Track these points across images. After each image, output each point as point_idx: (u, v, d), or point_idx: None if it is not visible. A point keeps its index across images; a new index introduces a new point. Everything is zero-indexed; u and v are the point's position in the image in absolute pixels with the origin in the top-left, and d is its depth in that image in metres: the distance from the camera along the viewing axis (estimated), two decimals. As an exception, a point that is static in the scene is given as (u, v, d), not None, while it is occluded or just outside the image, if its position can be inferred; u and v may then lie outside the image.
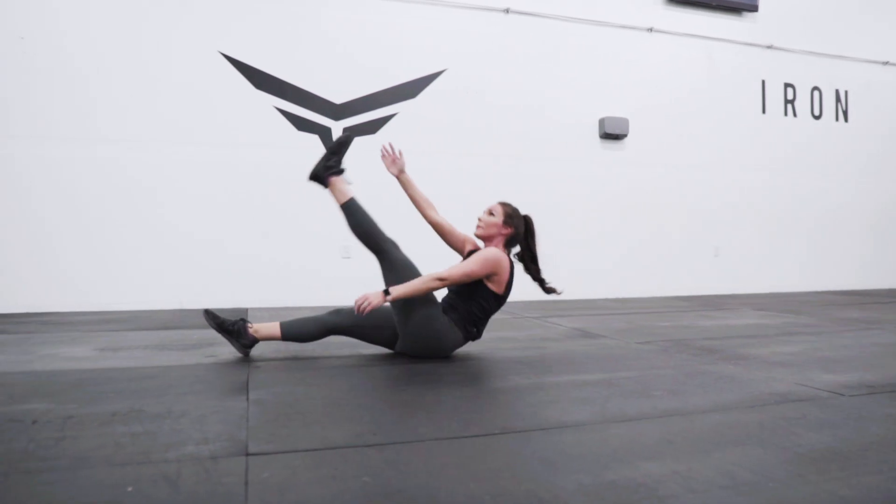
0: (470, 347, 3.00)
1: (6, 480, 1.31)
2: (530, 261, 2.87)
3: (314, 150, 5.70)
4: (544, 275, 2.90)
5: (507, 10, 6.29)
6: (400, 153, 2.98)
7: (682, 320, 4.33)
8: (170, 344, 3.18)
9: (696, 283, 6.63)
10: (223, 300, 5.27)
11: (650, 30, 6.63)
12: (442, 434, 1.67)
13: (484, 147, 6.14)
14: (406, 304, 2.64)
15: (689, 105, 6.72)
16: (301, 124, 5.74)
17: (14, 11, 5.02)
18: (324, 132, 5.82)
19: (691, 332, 3.69)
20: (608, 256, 6.42)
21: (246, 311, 4.92)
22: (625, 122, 6.37)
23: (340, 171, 2.87)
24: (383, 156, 2.98)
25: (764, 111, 7.01)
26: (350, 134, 2.98)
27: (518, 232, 2.81)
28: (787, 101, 7.15)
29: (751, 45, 6.94)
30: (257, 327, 2.71)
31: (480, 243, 2.90)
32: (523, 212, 2.89)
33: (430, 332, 2.68)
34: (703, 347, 3.11)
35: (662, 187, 6.61)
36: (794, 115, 7.17)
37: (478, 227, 2.82)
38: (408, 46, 6.01)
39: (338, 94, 5.84)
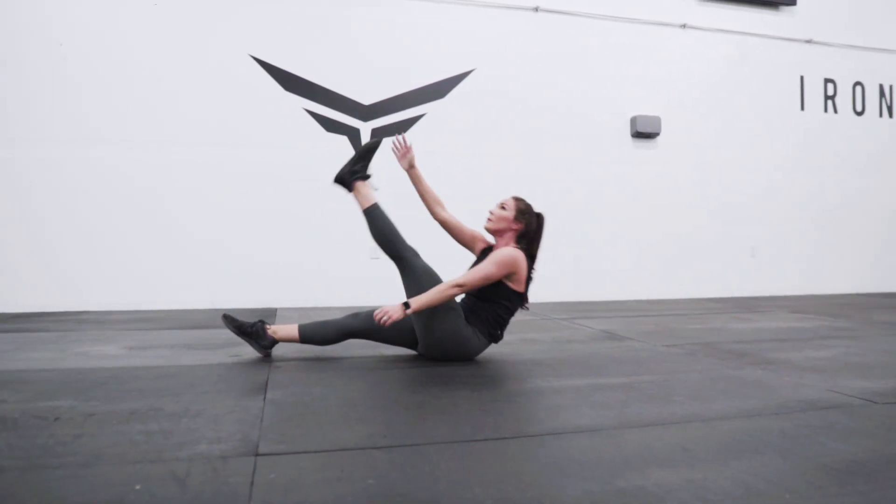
0: (492, 349, 2.98)
1: (22, 475, 1.35)
2: (528, 258, 2.76)
3: (343, 150, 5.76)
4: (534, 281, 2.79)
5: (536, 9, 6.24)
6: (410, 146, 2.92)
7: (712, 323, 4.22)
8: (197, 343, 3.24)
9: (732, 284, 6.46)
10: (254, 300, 5.36)
11: (683, 26, 6.49)
12: (453, 437, 1.65)
13: (513, 147, 6.11)
14: (427, 314, 2.61)
15: (724, 102, 6.56)
16: (330, 125, 5.80)
17: (32, 19, 5.20)
18: (352, 133, 5.87)
19: (721, 335, 3.59)
20: (640, 257, 6.30)
21: (275, 311, 4.99)
22: (657, 120, 6.25)
23: (366, 177, 2.87)
24: (394, 148, 2.93)
25: (803, 108, 6.79)
26: (378, 139, 2.98)
27: (529, 228, 2.76)
28: (827, 97, 6.90)
29: (788, 39, 6.73)
30: (276, 328, 2.74)
31: (490, 238, 2.86)
32: (537, 209, 2.85)
33: (453, 340, 2.65)
34: (731, 351, 3.02)
35: (696, 186, 6.46)
36: (835, 111, 6.92)
37: (488, 220, 2.78)
38: (436, 47, 6.01)
39: (366, 95, 5.88)
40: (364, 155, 2.88)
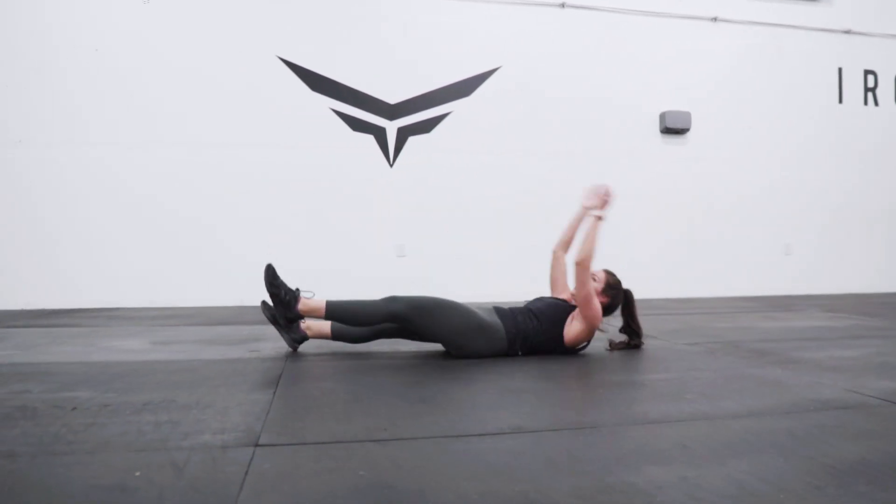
0: (505, 346, 2.97)
1: (32, 461, 1.41)
2: (634, 334, 2.91)
3: (369, 149, 5.82)
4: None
5: (562, 5, 6.20)
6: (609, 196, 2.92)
7: (741, 321, 4.12)
8: (219, 339, 3.33)
9: (766, 283, 6.29)
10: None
11: (714, 19, 6.34)
12: (453, 432, 1.66)
13: (540, 144, 6.08)
14: (436, 314, 2.63)
15: (757, 97, 6.39)
16: (356, 125, 5.87)
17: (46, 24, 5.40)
18: (378, 132, 5.92)
19: (747, 334, 3.50)
20: (670, 255, 6.19)
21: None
22: (687, 115, 6.12)
23: (296, 297, 2.70)
24: (601, 194, 2.90)
25: (841, 101, 6.56)
26: (268, 264, 2.76)
27: (613, 304, 2.82)
28: (867, 90, 6.65)
29: (826, 30, 6.51)
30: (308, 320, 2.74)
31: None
32: (624, 285, 2.92)
33: (470, 335, 2.64)
34: (754, 350, 2.95)
35: (728, 182, 6.31)
36: (876, 103, 6.67)
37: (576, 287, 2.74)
38: (462, 45, 6.03)
39: (392, 94, 5.93)
40: (274, 290, 2.70)
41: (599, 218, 2.74)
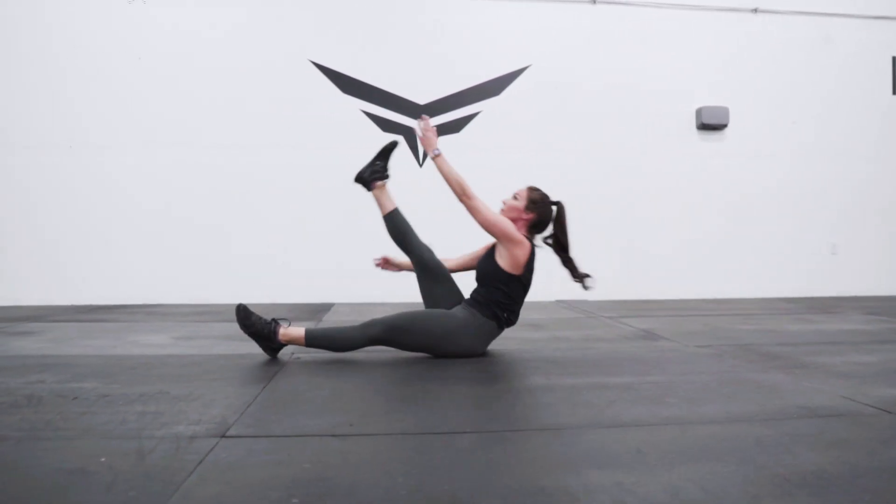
0: (512, 345, 2.98)
1: (16, 445, 1.54)
2: (560, 248, 2.81)
3: (399, 151, 5.88)
4: (577, 263, 2.80)
5: (594, 1, 6.10)
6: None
7: (769, 324, 3.96)
8: (237, 335, 3.42)
9: (809, 283, 6.01)
10: (311, 296, 5.61)
11: (755, 10, 6.10)
12: (415, 429, 1.70)
13: (571, 143, 6.01)
14: (418, 319, 2.67)
15: (800, 90, 6.10)
16: (386, 126, 5.96)
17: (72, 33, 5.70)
18: (408, 133, 5.99)
19: (768, 337, 3.38)
20: (706, 254, 6.01)
21: (332, 306, 5.20)
22: (724, 111, 5.92)
23: (385, 177, 2.94)
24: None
25: (895, 91, 6.18)
26: (395, 140, 3.02)
27: (542, 219, 2.77)
28: (925, 78, 6.25)
29: (878, 17, 6.15)
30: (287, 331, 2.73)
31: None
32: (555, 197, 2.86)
33: (455, 335, 2.66)
34: (766, 353, 2.84)
35: (768, 180, 6.06)
36: (935, 93, 6.25)
37: (500, 209, 2.80)
38: (492, 44, 6.03)
39: (422, 95, 5.99)
40: (382, 154, 2.95)
41: (436, 156, 2.75)
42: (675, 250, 5.94)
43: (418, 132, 2.84)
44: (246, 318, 2.67)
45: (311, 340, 2.68)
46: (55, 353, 2.85)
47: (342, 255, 5.74)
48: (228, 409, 1.87)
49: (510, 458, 1.46)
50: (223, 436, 1.61)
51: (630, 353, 2.90)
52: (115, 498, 1.22)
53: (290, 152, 5.81)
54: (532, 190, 2.79)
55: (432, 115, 5.98)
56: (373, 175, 2.94)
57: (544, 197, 2.79)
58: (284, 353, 2.82)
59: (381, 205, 2.93)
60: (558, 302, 5.58)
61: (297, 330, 2.69)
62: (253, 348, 2.98)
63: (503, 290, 2.71)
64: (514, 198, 2.80)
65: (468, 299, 2.78)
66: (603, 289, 5.74)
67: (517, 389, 2.21)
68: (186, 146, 5.69)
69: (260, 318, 2.70)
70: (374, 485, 1.28)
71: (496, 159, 5.91)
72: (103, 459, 1.43)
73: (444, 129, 5.98)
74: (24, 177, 5.56)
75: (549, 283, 5.93)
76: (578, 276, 2.76)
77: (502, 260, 2.68)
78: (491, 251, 2.79)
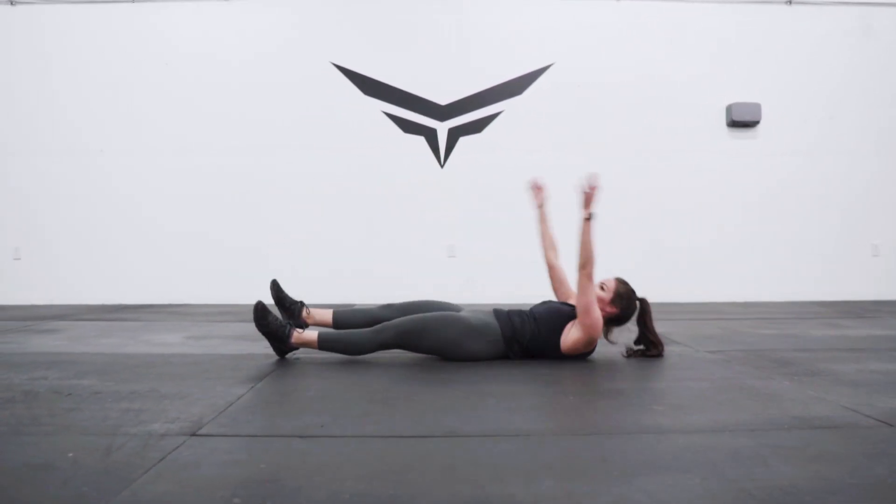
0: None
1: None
2: (651, 345, 2.77)
3: (421, 151, 5.91)
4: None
5: (618, -3, 5.98)
6: (542, 187, 3.10)
7: (793, 328, 3.80)
8: (249, 335, 3.51)
9: (848, 287, 5.73)
10: (337, 297, 5.67)
11: (789, 2, 5.87)
12: (385, 433, 1.68)
13: (596, 142, 5.91)
14: (420, 326, 2.65)
15: (838, 84, 5.84)
16: (407, 127, 5.98)
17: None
18: (429, 133, 6.00)
19: (787, 342, 3.23)
20: (738, 257, 5.81)
21: (351, 304, 5.24)
22: (756, 107, 5.71)
23: (287, 334, 2.66)
24: (533, 188, 3.12)
25: (943, 83, 5.85)
26: (258, 301, 2.67)
27: (624, 315, 2.69)
28: (976, 69, 5.89)
29: (926, 4, 5.83)
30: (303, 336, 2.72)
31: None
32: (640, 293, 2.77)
33: (465, 341, 2.63)
34: (778, 360, 2.72)
35: (803, 179, 5.82)
36: None
37: None
38: (514, 43, 5.98)
39: (443, 96, 5.99)
40: (263, 323, 2.65)
41: (587, 219, 2.59)
42: (703, 252, 5.77)
43: (585, 187, 2.60)
44: (262, 317, 2.65)
45: (324, 344, 2.68)
46: (67, 351, 2.96)
47: (367, 256, 5.79)
48: (209, 409, 1.89)
49: (466, 464, 1.43)
50: (193, 434, 1.63)
51: (625, 360, 2.81)
52: (67, 493, 1.25)
53: (313, 153, 5.89)
54: (620, 283, 2.71)
55: (454, 115, 5.98)
56: (285, 339, 2.67)
57: (631, 293, 2.70)
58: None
59: (309, 345, 2.68)
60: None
61: (311, 334, 2.69)
62: (258, 349, 3.03)
63: (540, 345, 2.67)
64: (602, 288, 2.68)
65: (510, 318, 2.70)
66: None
67: (500, 393, 2.16)
68: (218, 152, 5.83)
69: (276, 318, 2.70)
70: (321, 487, 1.28)
71: (518, 159, 5.87)
72: (71, 455, 1.47)
73: (465, 130, 5.97)
74: (62, 181, 5.80)
75: (572, 284, 5.89)
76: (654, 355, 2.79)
77: (567, 335, 2.64)
78: (569, 311, 2.71)
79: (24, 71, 5.80)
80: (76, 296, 5.67)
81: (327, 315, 2.88)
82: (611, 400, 2.03)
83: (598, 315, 2.58)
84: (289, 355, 2.79)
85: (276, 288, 2.83)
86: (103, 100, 5.82)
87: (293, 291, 5.60)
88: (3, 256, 5.71)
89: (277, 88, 5.87)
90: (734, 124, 5.74)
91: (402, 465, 1.42)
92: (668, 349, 3.06)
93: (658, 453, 1.50)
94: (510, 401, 2.05)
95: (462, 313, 2.70)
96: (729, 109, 5.74)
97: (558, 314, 2.71)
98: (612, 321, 2.72)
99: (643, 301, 2.75)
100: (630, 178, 5.86)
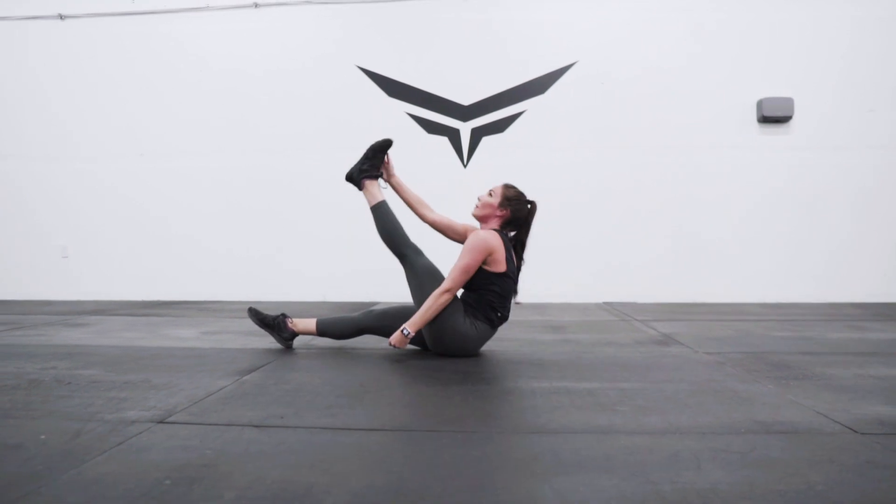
0: (512, 346, 2.98)
1: (-15, 422, 1.75)
2: (518, 247, 2.82)
3: (444, 152, 5.97)
4: (524, 272, 2.86)
5: (644, -10, 5.86)
6: (388, 160, 3.04)
7: (812, 331, 3.65)
8: (258, 331, 3.65)
9: (888, 288, 5.44)
10: (362, 295, 5.80)
11: (823, -11, 5.61)
12: (336, 425, 1.73)
13: (621, 140, 5.82)
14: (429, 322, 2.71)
15: (878, 74, 5.53)
16: (431, 127, 6.04)
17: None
18: (452, 134, 6.04)
19: (798, 345, 3.12)
20: (769, 256, 5.60)
21: (375, 303, 5.36)
22: (788, 102, 5.49)
23: (376, 176, 3.02)
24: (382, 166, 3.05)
25: None
26: (388, 139, 3.06)
27: (516, 216, 2.77)
28: None
29: (975, -13, 5.46)
30: (296, 322, 2.99)
31: (478, 224, 2.86)
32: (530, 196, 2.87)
33: (453, 337, 2.70)
34: (777, 362, 2.64)
35: (840, 175, 5.55)
36: None
37: (475, 206, 2.82)
38: (537, 42, 5.96)
39: (466, 96, 6.02)
40: (373, 154, 3.00)
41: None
42: (731, 253, 5.59)
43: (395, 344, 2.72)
44: (256, 314, 3.01)
45: (321, 327, 2.93)
46: (86, 343, 3.17)
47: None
48: (187, 399, 2.01)
49: (396, 457, 1.47)
50: (161, 422, 1.75)
51: (625, 359, 2.78)
52: (24, 470, 1.37)
53: (340, 154, 6.01)
54: (507, 187, 2.80)
55: (476, 116, 6.01)
56: (362, 174, 3.01)
57: (520, 195, 2.79)
58: (277, 348, 2.96)
59: (368, 198, 2.99)
60: (604, 304, 5.42)
61: (309, 320, 2.97)
62: (262, 343, 3.17)
63: (495, 290, 2.71)
64: (490, 194, 2.80)
65: (463, 304, 2.76)
66: (656, 291, 5.55)
67: (472, 392, 2.18)
68: (250, 155, 6.06)
69: (268, 315, 3.01)
70: (249, 473, 1.35)
71: (540, 158, 5.85)
72: (43, 437, 1.60)
73: (488, 130, 5.99)
74: (106, 184, 6.16)
75: (595, 284, 5.82)
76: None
77: (486, 265, 2.69)
78: None
79: (69, 80, 6.19)
80: (119, 292, 6.01)
81: (311, 324, 2.97)
82: (577, 399, 2.03)
83: (473, 256, 2.62)
84: (295, 345, 2.93)
85: (254, 313, 3.01)
86: (142, 106, 6.13)
87: (321, 291, 5.84)
88: (53, 255, 6.11)
89: (304, 92, 6.04)
90: (765, 120, 5.54)
91: (335, 456, 1.48)
92: (666, 350, 3.01)
93: (592, 454, 1.51)
94: (476, 398, 2.08)
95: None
96: (759, 104, 5.53)
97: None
98: (506, 224, 2.80)
99: (533, 203, 2.82)
100: (657, 178, 5.74)
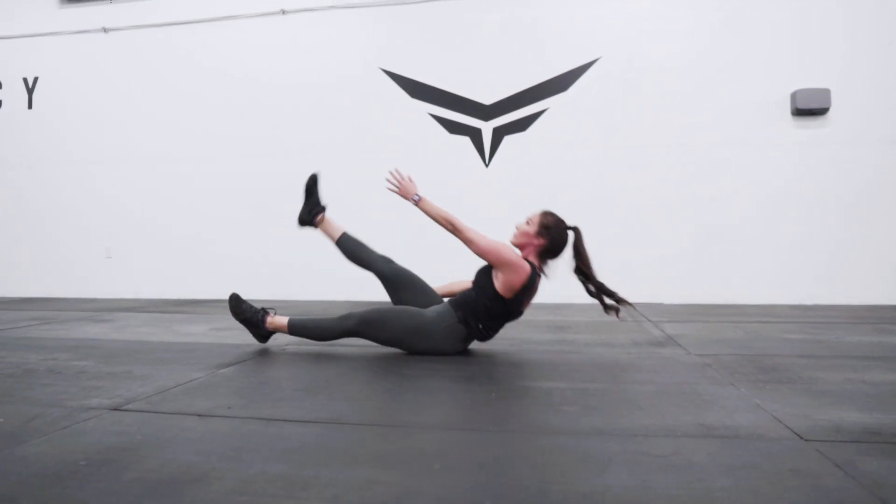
0: (506, 346, 3.00)
1: (-36, 406, 1.89)
2: (585, 278, 2.72)
3: (466, 151, 5.99)
4: (610, 287, 2.72)
5: (672, -20, 5.70)
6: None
7: (828, 334, 3.45)
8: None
9: (939, 290, 5.07)
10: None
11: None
12: (274, 416, 1.77)
13: (647, 136, 5.68)
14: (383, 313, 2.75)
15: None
16: (453, 127, 6.07)
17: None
18: (474, 133, 6.05)
19: (800, 348, 2.96)
20: (802, 256, 5.33)
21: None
22: (825, 93, 5.21)
23: (323, 209, 3.05)
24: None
25: None
26: (315, 173, 3.06)
27: (555, 245, 2.69)
28: None
29: None
30: (274, 319, 2.94)
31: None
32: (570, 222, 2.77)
33: (413, 317, 2.73)
34: (765, 366, 2.51)
35: (882, 170, 5.21)
36: None
37: (513, 234, 2.77)
38: (559, 39, 5.90)
39: (487, 95, 6.02)
40: (310, 191, 3.03)
41: (418, 202, 2.83)
42: (762, 253, 5.35)
43: (392, 187, 2.87)
44: (237, 306, 2.93)
45: (293, 329, 2.89)
46: (99, 338, 3.36)
47: (417, 256, 5.92)
48: (155, 389, 2.11)
49: (313, 448, 1.50)
50: (115, 409, 1.84)
51: (609, 359, 2.72)
52: (-33, 450, 1.48)
53: (363, 155, 6.13)
54: (545, 215, 2.72)
55: (498, 115, 5.99)
56: (311, 214, 3.04)
57: (559, 222, 2.71)
58: (272, 345, 3.05)
59: (329, 235, 3.02)
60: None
61: (282, 319, 2.92)
62: (265, 341, 3.25)
63: (486, 304, 2.68)
64: (527, 223, 2.73)
65: (457, 297, 2.80)
66: (683, 292, 5.38)
67: (440, 389, 2.19)
68: (270, 154, 6.26)
69: (251, 306, 2.96)
70: (161, 457, 1.41)
71: (563, 156, 5.78)
72: (1, 420, 1.72)
73: (510, 129, 5.96)
74: (147, 187, 6.50)
75: (619, 285, 5.68)
76: (608, 308, 2.70)
77: (497, 279, 2.65)
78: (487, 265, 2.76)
79: (110, 90, 6.57)
80: (156, 291, 6.32)
81: (283, 321, 2.93)
82: (529, 399, 2.01)
83: (501, 248, 2.59)
84: (282, 348, 2.98)
85: (235, 303, 2.93)
86: (178, 113, 6.44)
87: (347, 289, 5.95)
88: (97, 255, 6.50)
89: (328, 96, 6.18)
90: (799, 113, 5.27)
91: (249, 445, 1.52)
92: (657, 351, 2.93)
93: (496, 452, 1.47)
94: (428, 395, 2.09)
95: (424, 310, 2.76)
96: (794, 97, 5.27)
97: (482, 271, 2.75)
98: (545, 253, 2.72)
99: (575, 229, 2.71)
100: (685, 174, 5.56)
